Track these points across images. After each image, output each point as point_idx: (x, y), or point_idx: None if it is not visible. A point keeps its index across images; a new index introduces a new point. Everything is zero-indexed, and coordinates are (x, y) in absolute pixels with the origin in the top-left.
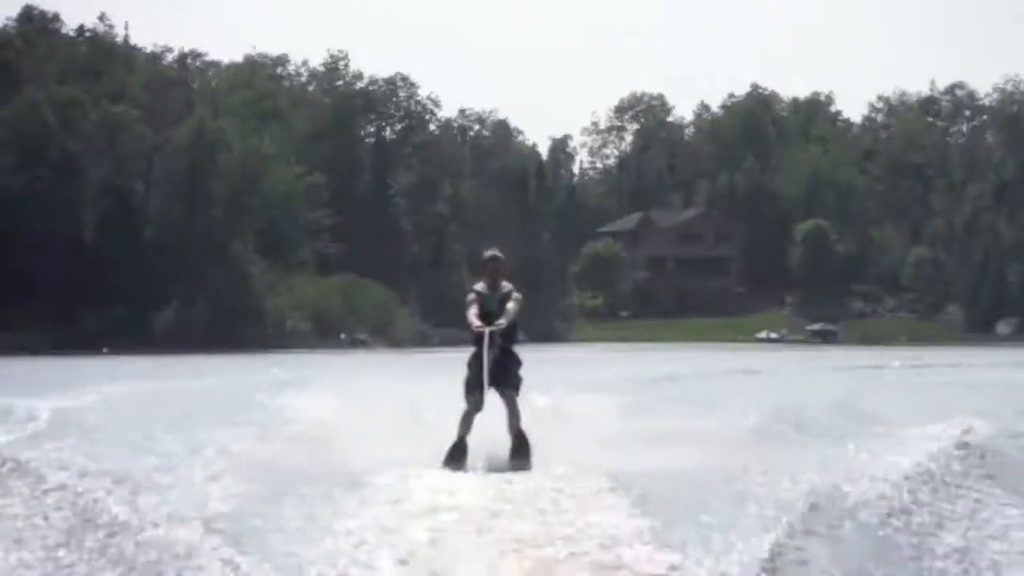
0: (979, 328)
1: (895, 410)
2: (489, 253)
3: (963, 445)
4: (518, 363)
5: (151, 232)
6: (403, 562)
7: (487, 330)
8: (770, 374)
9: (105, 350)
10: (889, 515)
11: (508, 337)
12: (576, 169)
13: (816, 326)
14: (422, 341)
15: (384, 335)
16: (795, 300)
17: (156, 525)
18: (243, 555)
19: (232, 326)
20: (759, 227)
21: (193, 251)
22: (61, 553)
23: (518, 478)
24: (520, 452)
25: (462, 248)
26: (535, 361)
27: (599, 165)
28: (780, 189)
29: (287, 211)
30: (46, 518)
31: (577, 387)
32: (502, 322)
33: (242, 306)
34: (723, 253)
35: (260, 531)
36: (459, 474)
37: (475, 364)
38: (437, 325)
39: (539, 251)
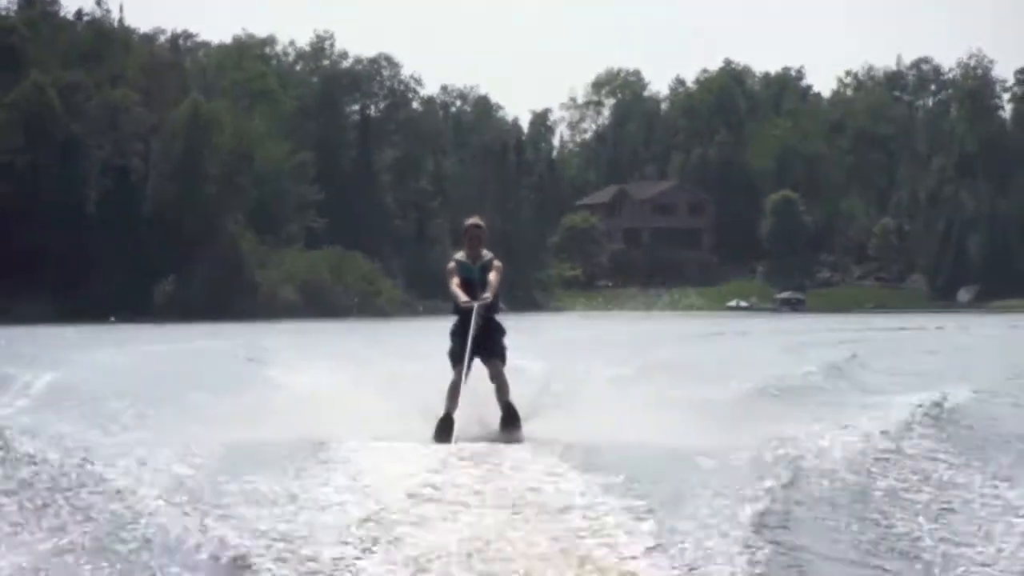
0: (941, 295)
1: (875, 377)
2: (470, 221)
3: (937, 410)
4: (502, 332)
5: (149, 208)
6: (375, 539)
7: (474, 305)
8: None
9: (112, 319)
10: (865, 482)
11: (491, 307)
12: (556, 142)
13: (784, 295)
14: (407, 311)
15: (370, 306)
16: (765, 269)
17: (122, 491)
18: (210, 519)
19: (226, 298)
20: (731, 199)
21: (189, 226)
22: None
23: (507, 450)
24: (510, 423)
25: (444, 222)
26: (519, 329)
27: (578, 139)
28: (751, 162)
29: (277, 188)
30: (18, 489)
31: (561, 354)
32: (487, 295)
33: (235, 278)
34: (696, 224)
35: (230, 498)
36: (444, 446)
37: (459, 334)
38: (421, 296)
39: (519, 223)
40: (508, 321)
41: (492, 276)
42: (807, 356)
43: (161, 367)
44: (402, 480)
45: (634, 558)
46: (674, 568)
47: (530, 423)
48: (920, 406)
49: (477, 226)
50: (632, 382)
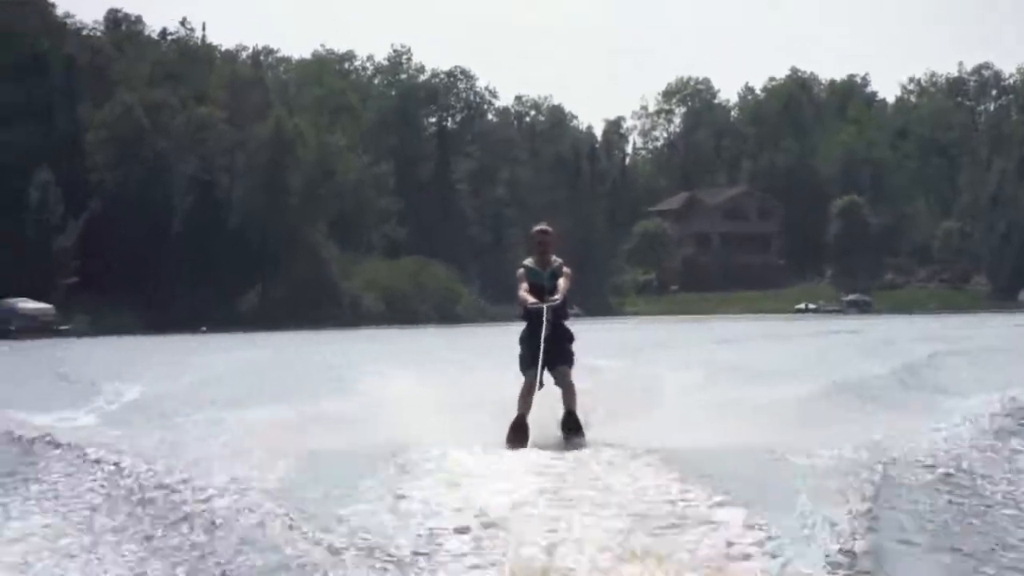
0: (1003, 296)
1: (950, 379)
2: (538, 227)
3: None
4: (570, 338)
5: (235, 221)
6: (460, 534)
7: (544, 305)
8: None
9: (204, 329)
10: (953, 481)
11: (560, 313)
12: (629, 150)
13: (851, 297)
14: (484, 318)
15: (448, 312)
16: (833, 272)
17: (214, 495)
18: (302, 521)
19: (310, 306)
20: (799, 203)
21: (273, 238)
22: (107, 520)
23: (575, 455)
24: (573, 431)
25: (519, 230)
26: (592, 331)
27: (649, 147)
28: (818, 167)
29: (358, 199)
30: (108, 494)
31: (633, 358)
32: (557, 297)
33: (319, 288)
34: (765, 229)
35: (318, 502)
36: (520, 452)
37: (528, 340)
38: (496, 302)
39: (592, 230)
40: (582, 325)
41: (561, 281)
42: (882, 356)
43: (250, 375)
44: (484, 486)
45: (727, 558)
46: (765, 571)
47: (606, 426)
48: (1011, 402)
49: (545, 232)
50: (708, 384)
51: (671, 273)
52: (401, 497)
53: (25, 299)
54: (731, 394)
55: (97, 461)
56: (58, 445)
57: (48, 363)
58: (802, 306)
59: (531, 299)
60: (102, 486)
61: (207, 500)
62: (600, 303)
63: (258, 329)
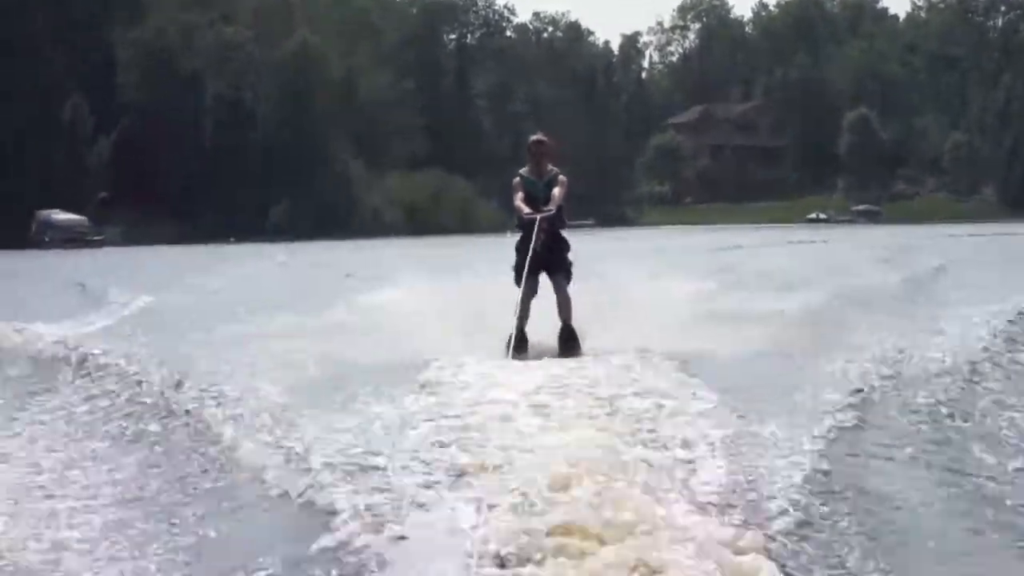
0: (1010, 206)
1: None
2: (534, 137)
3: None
4: (567, 247)
5: (262, 138)
6: (463, 448)
7: (537, 216)
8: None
9: (232, 239)
10: (950, 395)
11: (555, 221)
12: (645, 64)
13: (861, 207)
14: (503, 229)
15: (469, 224)
16: (844, 184)
17: (201, 413)
18: (286, 439)
19: (335, 218)
20: (810, 117)
21: (299, 154)
22: (103, 441)
23: (575, 363)
24: (569, 344)
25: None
26: (606, 240)
27: (665, 62)
28: (830, 81)
29: (380, 115)
30: (94, 406)
31: (645, 267)
32: (550, 207)
33: (343, 201)
34: (778, 142)
35: (310, 418)
36: (519, 362)
37: (523, 249)
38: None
39: (608, 144)
40: (596, 236)
41: (556, 191)
42: (891, 264)
43: (263, 284)
44: (484, 396)
45: (691, 467)
46: (728, 479)
47: (602, 334)
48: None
49: (540, 142)
50: (711, 293)
51: (686, 185)
52: (389, 414)
53: (59, 211)
54: (731, 302)
55: (85, 368)
56: (58, 356)
57: (70, 273)
58: (813, 216)
59: (526, 209)
60: (85, 395)
61: (195, 412)
62: (616, 214)
63: (285, 240)
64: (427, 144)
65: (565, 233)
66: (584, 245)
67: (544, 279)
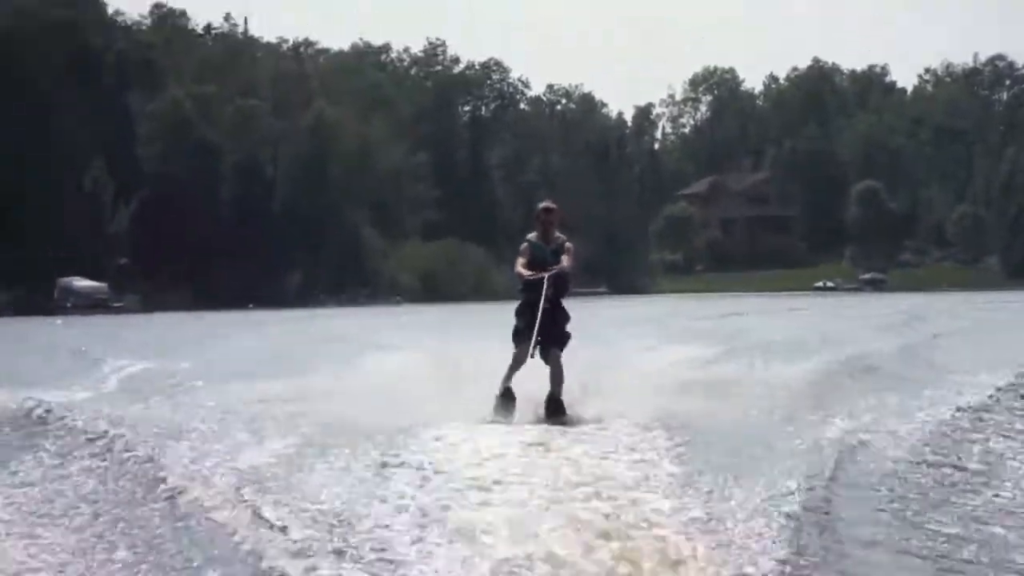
0: (1013, 275)
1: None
2: (543, 204)
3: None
4: (566, 318)
5: (280, 207)
6: (433, 518)
7: (545, 275)
8: (827, 314)
9: (251, 306)
10: (921, 464)
11: (559, 288)
12: (659, 135)
13: (867, 275)
14: (517, 296)
15: (483, 290)
16: (852, 253)
17: (190, 478)
18: (271, 507)
19: (351, 285)
20: (819, 188)
21: (315, 223)
22: (86, 506)
23: (557, 431)
24: (555, 415)
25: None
26: (619, 307)
27: (677, 133)
28: (838, 153)
29: (396, 186)
30: (82, 471)
31: (651, 334)
32: (558, 267)
33: (359, 268)
34: (787, 212)
35: (293, 485)
36: (497, 426)
37: (525, 313)
38: None
39: (621, 214)
40: (610, 302)
41: (565, 257)
42: (886, 333)
43: (274, 350)
44: (463, 463)
45: (676, 531)
46: (714, 543)
47: (609, 400)
48: (998, 390)
49: (549, 209)
50: (713, 362)
51: (697, 254)
52: (370, 478)
53: (80, 278)
54: (727, 369)
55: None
56: (44, 419)
57: (78, 338)
58: (820, 284)
59: (527, 272)
60: (69, 459)
61: (173, 481)
62: (628, 281)
63: (302, 306)
64: (442, 214)
65: (566, 303)
66: (595, 312)
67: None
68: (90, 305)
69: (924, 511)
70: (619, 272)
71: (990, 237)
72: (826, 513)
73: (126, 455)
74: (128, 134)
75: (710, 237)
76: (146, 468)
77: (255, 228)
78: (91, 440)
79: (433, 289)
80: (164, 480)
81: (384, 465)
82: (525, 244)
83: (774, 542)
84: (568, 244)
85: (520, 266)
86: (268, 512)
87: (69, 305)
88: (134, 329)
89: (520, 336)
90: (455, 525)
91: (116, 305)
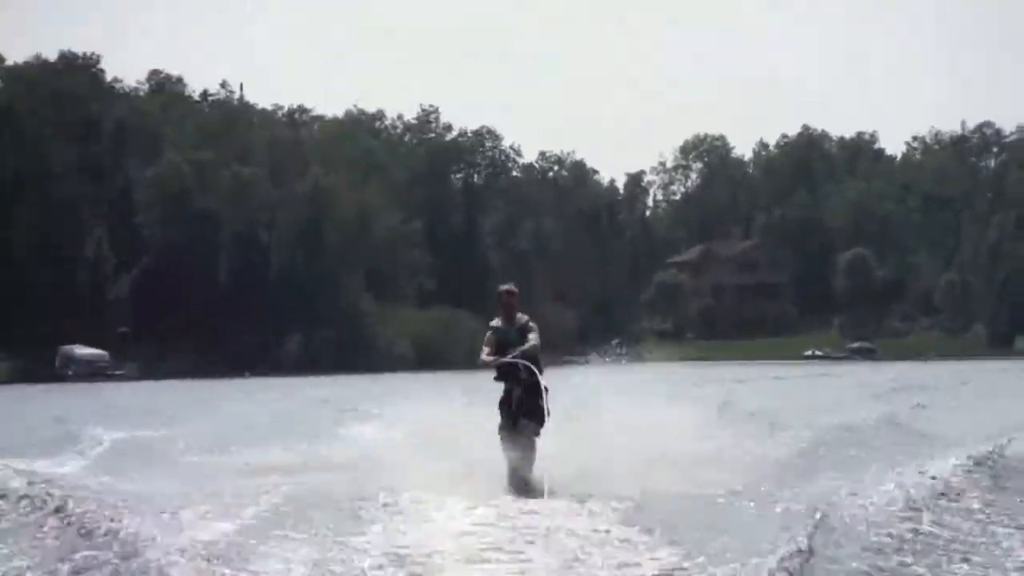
0: (1000, 343)
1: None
2: (503, 287)
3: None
4: (542, 395)
5: (277, 274)
6: None
7: (510, 358)
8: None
9: (247, 374)
10: (900, 538)
11: (532, 371)
12: (650, 202)
13: (855, 344)
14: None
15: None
16: (841, 321)
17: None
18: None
19: (347, 353)
20: (809, 255)
21: (312, 290)
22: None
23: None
24: (525, 495)
25: (545, 280)
26: (607, 374)
27: (668, 199)
28: (827, 220)
29: (391, 252)
30: (47, 540)
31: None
32: (530, 342)
33: (355, 335)
34: (776, 279)
35: (261, 556)
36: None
37: (506, 404)
38: None
39: (612, 281)
40: (599, 370)
41: (531, 336)
42: (871, 403)
43: (256, 420)
44: (441, 534)
45: None
46: None
47: (575, 477)
48: (969, 459)
49: (510, 292)
50: (695, 430)
51: (687, 321)
52: (343, 549)
53: (81, 346)
54: (707, 442)
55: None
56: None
57: (70, 407)
58: (809, 353)
59: (490, 359)
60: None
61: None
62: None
63: (299, 374)
64: (435, 280)
65: (543, 379)
66: (582, 379)
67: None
68: (91, 373)
69: None
70: (608, 338)
71: (977, 304)
72: None
73: (88, 526)
74: (127, 201)
75: (701, 305)
76: (108, 540)
77: (253, 295)
78: (56, 512)
79: (427, 356)
80: (126, 547)
81: (345, 534)
82: (489, 332)
83: None
84: (531, 323)
85: (485, 355)
86: None
87: (70, 373)
88: (130, 397)
89: (505, 430)
90: None
91: (117, 373)
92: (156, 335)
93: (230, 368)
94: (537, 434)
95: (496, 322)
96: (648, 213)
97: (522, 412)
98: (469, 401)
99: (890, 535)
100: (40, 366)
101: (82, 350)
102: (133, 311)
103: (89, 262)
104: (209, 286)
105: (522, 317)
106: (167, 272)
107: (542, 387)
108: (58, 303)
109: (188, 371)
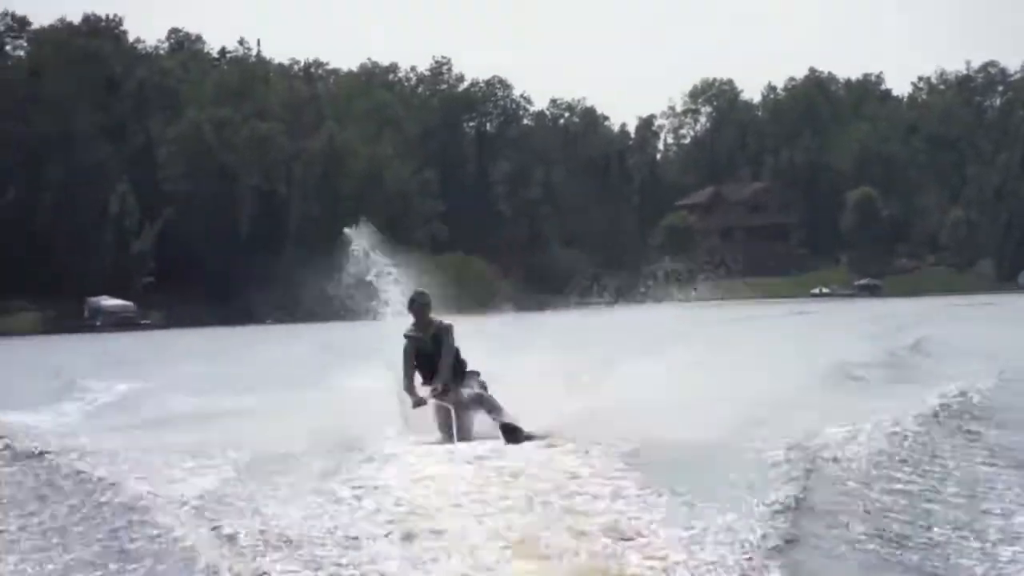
0: (1005, 279)
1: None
2: (414, 294)
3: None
4: (476, 379)
5: (294, 225)
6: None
7: (431, 401)
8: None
9: (269, 321)
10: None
11: (459, 374)
12: (661, 146)
13: (862, 281)
14: (520, 308)
15: (488, 302)
16: (848, 259)
17: (144, 504)
18: (224, 524)
19: (363, 299)
20: (816, 196)
21: (329, 240)
22: (40, 520)
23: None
24: (512, 435)
25: (555, 225)
26: (620, 315)
27: (679, 144)
28: (834, 162)
29: (404, 202)
30: (43, 493)
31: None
32: (436, 385)
33: (369, 282)
34: (785, 220)
35: (247, 502)
36: (460, 445)
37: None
38: (534, 292)
39: (622, 226)
40: (614, 311)
41: (443, 361)
42: (872, 339)
43: (266, 366)
44: (427, 480)
45: (648, 550)
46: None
47: (567, 418)
48: (950, 397)
49: (421, 297)
50: (704, 372)
51: (697, 263)
52: (332, 493)
53: (107, 297)
54: (705, 382)
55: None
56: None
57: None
58: (817, 290)
59: (416, 398)
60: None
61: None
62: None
63: (318, 320)
64: (448, 228)
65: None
66: (590, 320)
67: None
68: (117, 323)
69: (892, 516)
70: (619, 282)
71: (983, 242)
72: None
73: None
74: (149, 158)
75: (710, 245)
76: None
77: (272, 246)
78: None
79: (440, 302)
80: (121, 499)
81: (332, 482)
82: (406, 342)
83: (744, 556)
84: (445, 324)
85: (406, 387)
86: (227, 530)
87: (98, 323)
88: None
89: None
90: (422, 532)
91: (143, 322)
92: (179, 285)
93: (252, 316)
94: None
95: (410, 329)
96: (659, 157)
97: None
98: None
99: (887, 472)
100: (68, 317)
101: (109, 301)
102: (156, 263)
103: (113, 217)
104: (230, 238)
105: (435, 320)
106: (189, 225)
107: (476, 378)
108: (84, 256)
109: (211, 319)
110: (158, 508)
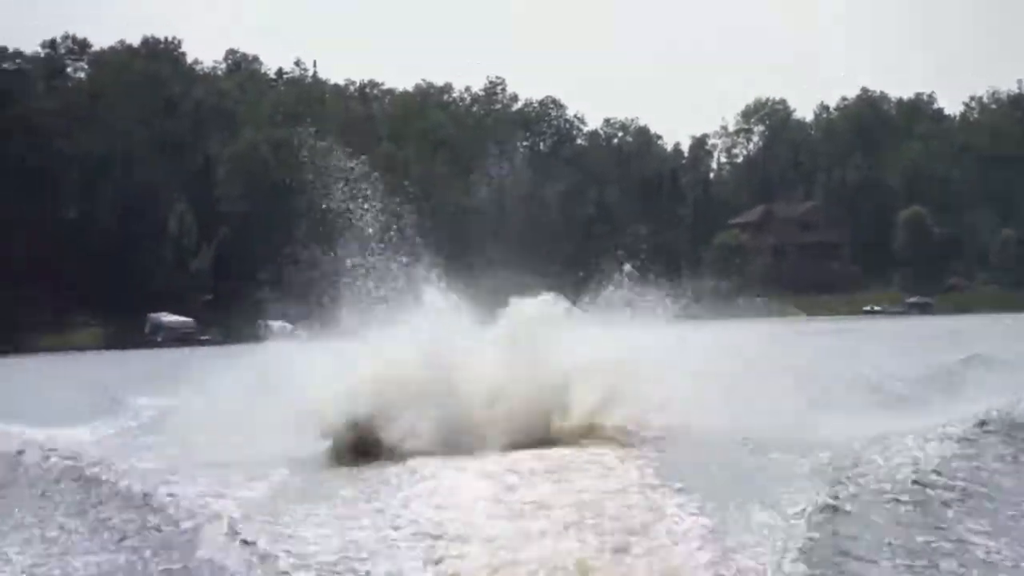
0: None
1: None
2: None
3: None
4: None
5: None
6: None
7: None
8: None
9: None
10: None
11: None
12: (715, 165)
13: (913, 299)
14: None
15: None
16: (900, 278)
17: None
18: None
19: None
20: (867, 215)
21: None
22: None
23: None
24: None
25: (609, 245)
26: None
27: (732, 163)
28: (886, 180)
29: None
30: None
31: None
32: None
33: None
34: (837, 239)
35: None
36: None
37: None
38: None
39: (675, 244)
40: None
41: None
42: (921, 356)
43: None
44: (468, 491)
45: (681, 552)
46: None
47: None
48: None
49: None
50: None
51: (749, 281)
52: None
53: (168, 313)
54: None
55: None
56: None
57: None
58: (868, 308)
59: None
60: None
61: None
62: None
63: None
64: (501, 247)
65: None
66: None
67: None
68: (178, 339)
69: (926, 531)
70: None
71: None
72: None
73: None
74: (207, 178)
75: (762, 264)
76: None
77: (325, 268)
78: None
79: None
80: (157, 511)
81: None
82: None
83: (779, 559)
84: None
85: None
86: (263, 546)
87: (159, 339)
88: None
89: None
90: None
91: (203, 338)
92: (237, 302)
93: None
94: None
95: None
96: (712, 176)
97: None
98: None
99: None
100: (130, 332)
101: (169, 317)
102: (213, 280)
103: (172, 236)
104: (285, 255)
105: None
106: (246, 243)
107: None
108: (143, 274)
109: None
110: (199, 527)
